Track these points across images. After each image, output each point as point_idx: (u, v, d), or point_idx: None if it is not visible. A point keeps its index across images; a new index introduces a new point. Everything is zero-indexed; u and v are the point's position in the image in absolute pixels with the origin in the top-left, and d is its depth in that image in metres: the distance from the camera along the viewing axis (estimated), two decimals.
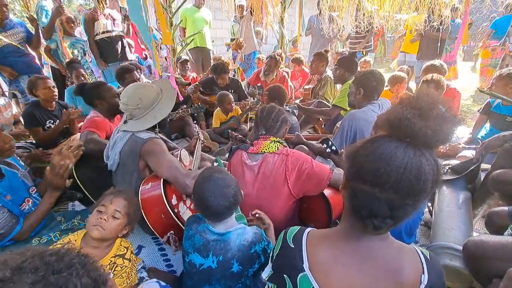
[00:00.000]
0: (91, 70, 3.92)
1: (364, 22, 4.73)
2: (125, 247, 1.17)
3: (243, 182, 1.45)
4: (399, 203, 0.59)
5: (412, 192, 0.58)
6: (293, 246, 0.72)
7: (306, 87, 3.91)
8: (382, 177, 0.58)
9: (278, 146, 1.50)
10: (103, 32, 3.54)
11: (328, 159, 2.00)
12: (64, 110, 2.52)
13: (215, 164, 1.93)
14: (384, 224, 0.61)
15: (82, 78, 3.08)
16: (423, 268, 0.65)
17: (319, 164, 1.46)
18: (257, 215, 1.26)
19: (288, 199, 1.44)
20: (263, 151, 1.48)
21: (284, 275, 0.69)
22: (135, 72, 2.96)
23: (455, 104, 2.90)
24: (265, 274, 0.79)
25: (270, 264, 0.80)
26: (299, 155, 1.46)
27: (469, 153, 2.19)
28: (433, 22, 4.02)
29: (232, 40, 6.01)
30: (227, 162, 1.83)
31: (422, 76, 2.82)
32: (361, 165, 0.63)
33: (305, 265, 0.67)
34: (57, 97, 2.54)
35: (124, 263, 1.13)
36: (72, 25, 3.55)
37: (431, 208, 1.78)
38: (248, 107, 3.13)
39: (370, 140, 0.66)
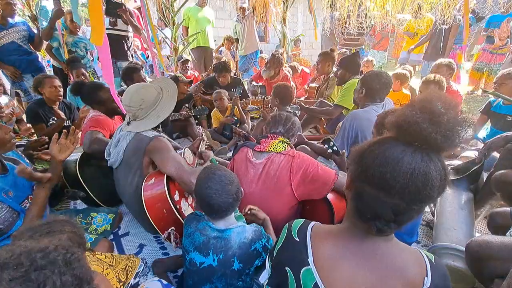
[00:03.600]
0: (93, 69, 3.94)
1: (366, 22, 4.73)
2: None
3: (245, 180, 1.45)
4: (405, 208, 0.58)
5: (418, 198, 0.57)
6: (297, 240, 0.71)
7: (312, 85, 3.88)
8: (388, 182, 0.57)
9: (286, 147, 1.49)
10: (107, 28, 3.55)
11: (330, 160, 2.00)
12: (80, 109, 2.53)
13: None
14: (387, 228, 0.61)
15: (83, 77, 3.09)
16: (426, 271, 0.64)
17: (325, 168, 1.44)
18: (251, 211, 1.26)
19: (290, 201, 1.42)
20: (270, 150, 1.46)
21: (286, 268, 0.69)
22: (142, 71, 2.97)
23: None
24: (263, 278, 0.79)
25: (268, 265, 0.79)
26: (305, 158, 1.44)
27: (472, 154, 2.18)
28: (439, 22, 3.99)
29: (236, 39, 6.02)
30: (228, 162, 1.83)
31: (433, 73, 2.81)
32: (367, 167, 0.61)
33: (310, 260, 0.66)
34: (62, 96, 2.57)
35: None
36: (77, 26, 3.57)
37: (433, 208, 1.78)
38: (234, 97, 3.08)
39: (377, 142, 0.64)
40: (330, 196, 1.40)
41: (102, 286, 0.55)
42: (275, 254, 0.76)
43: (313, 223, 0.76)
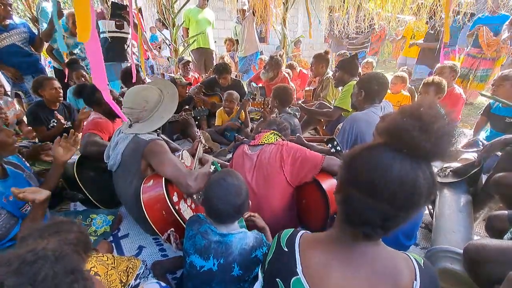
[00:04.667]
0: None
1: (365, 23, 4.72)
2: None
3: (242, 172, 1.51)
4: (392, 214, 0.59)
5: (406, 205, 0.58)
6: (286, 250, 0.72)
7: (307, 88, 3.90)
8: (376, 188, 0.58)
9: (277, 138, 1.61)
10: (109, 31, 3.57)
11: None
12: (80, 110, 2.55)
13: (212, 167, 1.94)
14: (374, 233, 0.62)
15: (83, 79, 3.10)
16: (415, 274, 0.64)
17: (312, 151, 1.54)
18: (251, 217, 1.28)
19: (285, 188, 1.49)
20: (263, 142, 1.58)
21: (277, 279, 0.69)
22: (141, 72, 2.99)
23: (457, 109, 2.89)
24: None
25: (260, 276, 0.79)
26: (293, 145, 1.55)
27: (471, 156, 2.18)
28: (434, 24, 3.98)
29: (236, 41, 6.04)
30: (227, 163, 1.85)
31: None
32: (357, 172, 0.62)
33: (299, 269, 0.67)
34: (62, 98, 2.58)
35: None
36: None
37: (432, 210, 1.78)
38: (243, 102, 3.11)
39: (367, 148, 0.65)
40: (325, 185, 1.44)
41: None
42: (266, 265, 0.76)
43: (302, 232, 0.76)
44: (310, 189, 1.51)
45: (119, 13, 3.41)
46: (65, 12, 3.25)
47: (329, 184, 1.45)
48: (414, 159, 0.58)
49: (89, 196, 1.71)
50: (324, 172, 1.49)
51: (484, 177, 1.76)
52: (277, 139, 1.59)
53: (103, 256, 1.16)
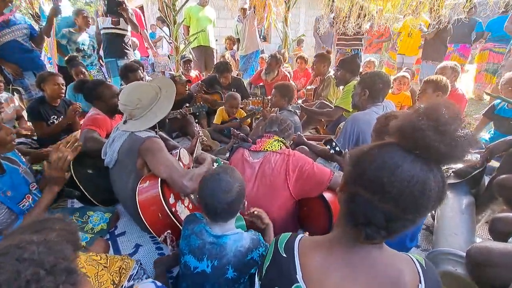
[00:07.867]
0: (99, 66, 3.95)
1: (364, 23, 4.69)
2: None
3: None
4: (397, 216, 0.57)
5: (413, 207, 0.56)
6: (285, 256, 0.69)
7: (309, 87, 3.88)
8: (384, 187, 0.55)
9: (281, 145, 1.50)
10: (105, 28, 3.60)
11: (330, 162, 1.98)
12: (71, 107, 2.56)
13: (215, 164, 1.91)
14: (377, 235, 0.59)
15: (82, 75, 3.10)
16: (419, 277, 0.62)
17: (320, 166, 1.45)
18: (255, 212, 1.22)
19: (287, 199, 1.42)
20: (265, 149, 1.47)
21: (276, 287, 0.67)
22: (139, 71, 2.98)
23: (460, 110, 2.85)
24: None
25: (257, 284, 0.76)
26: (301, 156, 1.45)
27: (473, 157, 2.15)
28: (434, 21, 3.96)
29: (237, 40, 6.03)
30: (227, 162, 1.82)
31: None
32: (364, 170, 0.60)
33: (299, 276, 0.64)
34: (64, 94, 2.58)
35: None
36: (89, 22, 3.62)
37: (433, 212, 1.75)
38: (252, 112, 3.11)
39: (377, 146, 0.62)
40: (328, 195, 1.39)
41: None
42: (263, 272, 0.73)
43: (300, 235, 0.73)
44: (312, 198, 1.45)
45: (115, 9, 3.42)
46: (72, 9, 3.25)
47: (331, 194, 1.39)
48: (426, 161, 0.56)
49: (85, 193, 1.69)
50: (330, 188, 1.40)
51: (486, 179, 1.74)
52: (281, 147, 1.48)
53: (96, 256, 1.13)
